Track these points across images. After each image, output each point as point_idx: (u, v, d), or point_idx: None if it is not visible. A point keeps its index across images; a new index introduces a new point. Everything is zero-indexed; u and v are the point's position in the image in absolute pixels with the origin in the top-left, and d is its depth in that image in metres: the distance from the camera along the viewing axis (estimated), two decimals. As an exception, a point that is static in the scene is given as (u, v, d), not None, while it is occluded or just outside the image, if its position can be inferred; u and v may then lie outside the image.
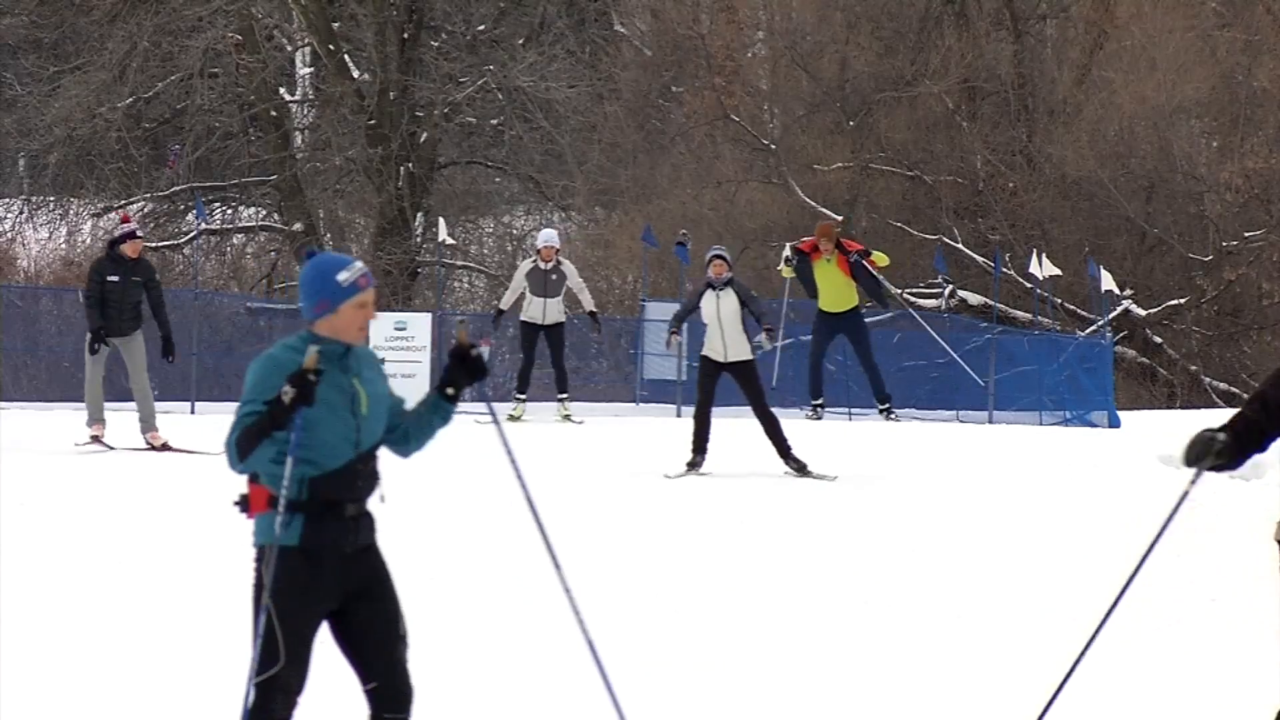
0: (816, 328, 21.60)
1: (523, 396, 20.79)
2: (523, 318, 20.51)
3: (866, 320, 22.17)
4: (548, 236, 20.64)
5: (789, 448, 15.56)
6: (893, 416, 21.42)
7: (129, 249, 16.97)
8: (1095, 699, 8.04)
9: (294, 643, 5.92)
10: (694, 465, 15.69)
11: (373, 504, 6.12)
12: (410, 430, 6.20)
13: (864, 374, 21.70)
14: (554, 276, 20.25)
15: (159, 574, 10.99)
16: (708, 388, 15.90)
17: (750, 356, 15.87)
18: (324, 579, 5.95)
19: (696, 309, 16.18)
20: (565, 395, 20.86)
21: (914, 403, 26.40)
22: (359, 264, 6.04)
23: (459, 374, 6.13)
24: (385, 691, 6.16)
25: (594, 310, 20.84)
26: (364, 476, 6.05)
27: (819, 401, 21.48)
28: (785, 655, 9.02)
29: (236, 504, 6.12)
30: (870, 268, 21.25)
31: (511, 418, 20.23)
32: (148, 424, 17.09)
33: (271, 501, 5.95)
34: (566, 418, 20.54)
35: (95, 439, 17.05)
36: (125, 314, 16.93)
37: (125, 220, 17.70)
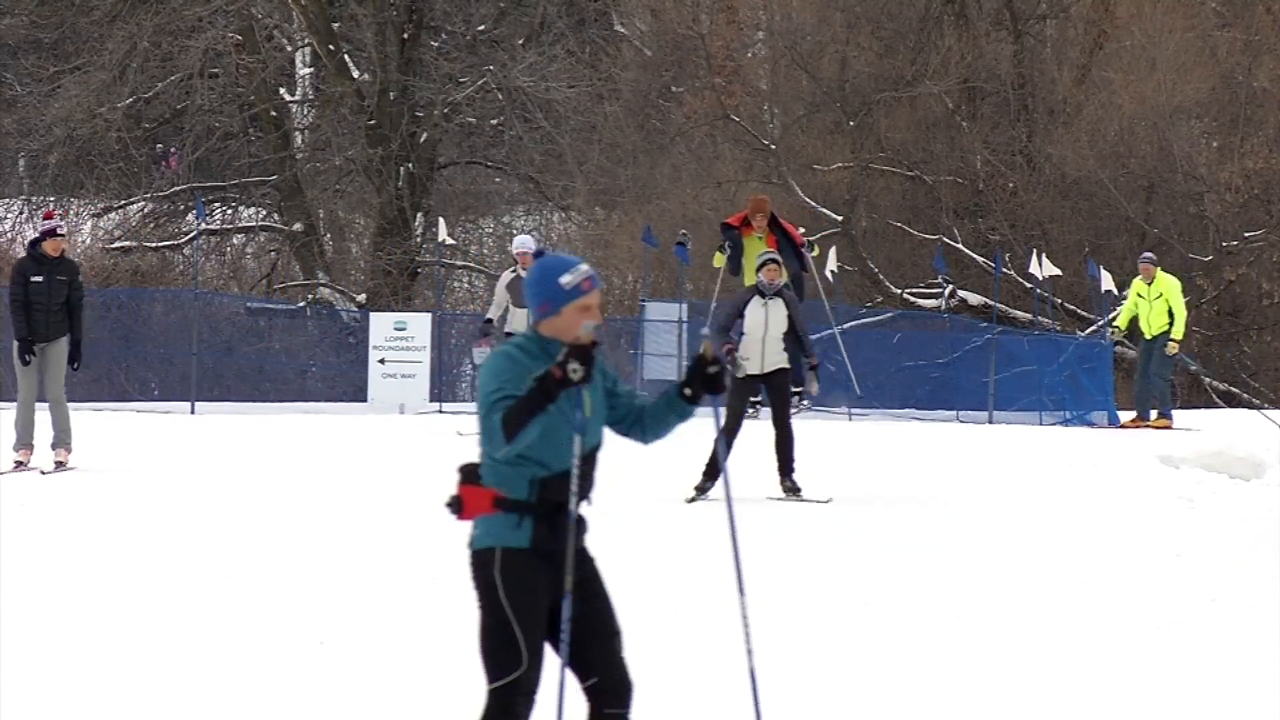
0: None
1: None
2: (507, 330, 19.49)
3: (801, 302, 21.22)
4: (523, 242, 19.62)
5: (792, 469, 14.62)
6: (803, 404, 19.63)
7: (50, 247, 15.84)
8: (1095, 699, 8.03)
9: (533, 645, 5.91)
10: (702, 491, 14.56)
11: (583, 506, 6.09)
12: (647, 421, 6.16)
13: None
14: None
15: (157, 574, 10.98)
16: (739, 408, 14.62)
17: (787, 365, 14.68)
18: (551, 579, 5.94)
19: (741, 317, 14.63)
20: None
21: (914, 403, 26.41)
22: (584, 267, 6.00)
23: (697, 384, 6.01)
24: (605, 686, 6.10)
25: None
26: (584, 477, 6.03)
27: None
28: (785, 655, 9.02)
29: (448, 505, 6.02)
30: (800, 249, 19.74)
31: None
32: (62, 438, 15.88)
33: (497, 503, 5.91)
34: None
35: (19, 465, 15.84)
36: (52, 317, 15.79)
37: (48, 217, 16.46)
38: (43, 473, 15.55)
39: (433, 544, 12.20)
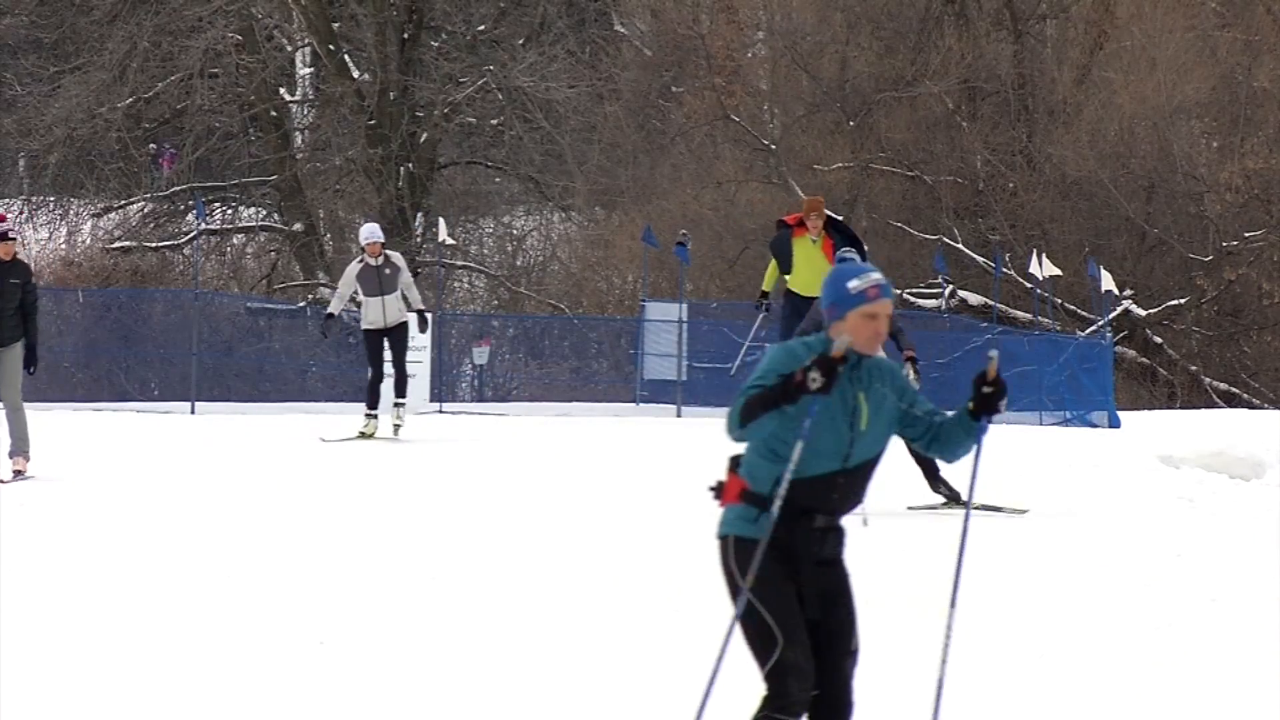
0: (785, 312, 19.54)
1: (374, 413, 18.91)
2: (364, 326, 18.99)
3: None
4: (370, 231, 18.99)
5: (937, 468, 13.94)
6: None
7: (1, 251, 15.32)
8: (1095, 699, 8.03)
9: (785, 623, 5.85)
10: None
11: (846, 520, 6.01)
12: (943, 440, 6.06)
13: None
14: (387, 271, 18.68)
15: (157, 575, 10.98)
16: None
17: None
18: (796, 575, 5.90)
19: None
20: (403, 402, 19.08)
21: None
22: (875, 275, 5.95)
23: (979, 401, 5.97)
24: (826, 701, 6.03)
25: (422, 309, 19.20)
26: (844, 491, 5.93)
27: None
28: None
29: (711, 489, 6.02)
30: (864, 252, 18.87)
31: (363, 435, 18.72)
32: (19, 446, 15.19)
33: (742, 495, 5.90)
34: (397, 427, 18.89)
35: None
36: (5, 321, 15.24)
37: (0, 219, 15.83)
38: (1, 482, 14.97)
39: (433, 544, 12.19)
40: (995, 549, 12.60)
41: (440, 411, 24.86)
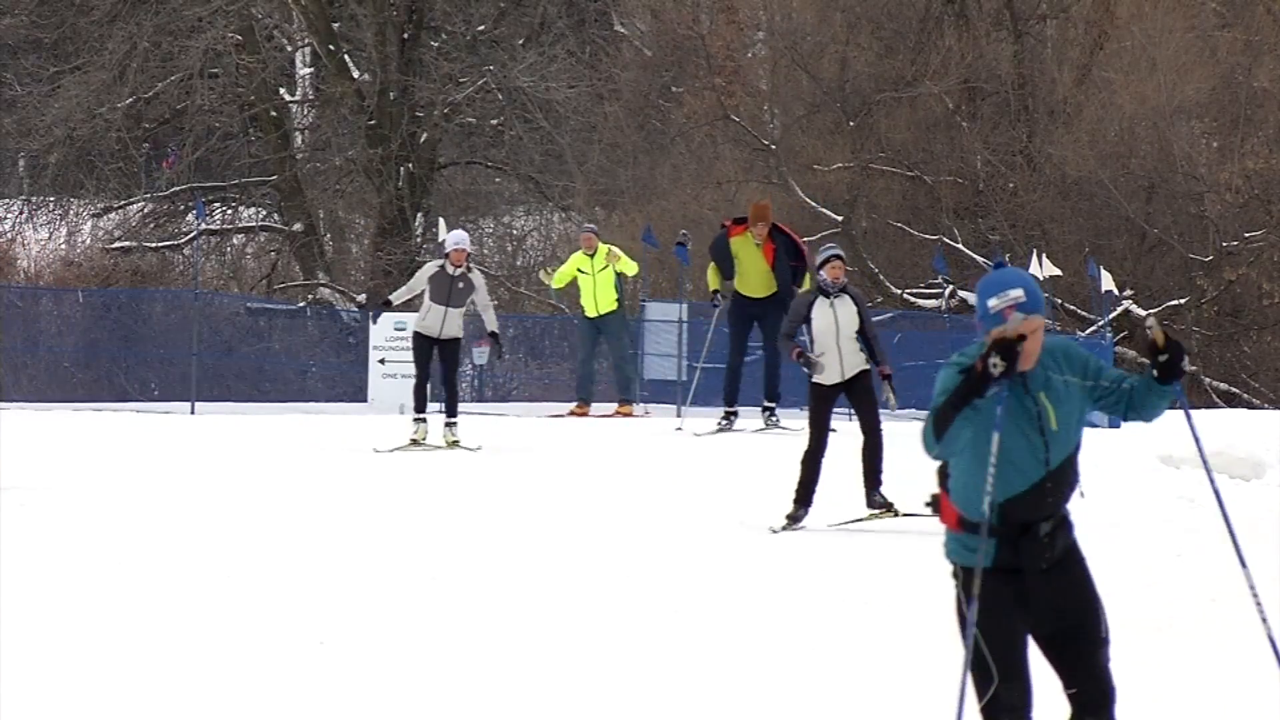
0: (735, 319, 19.19)
1: (422, 416, 18.26)
2: (416, 328, 18.40)
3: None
4: (458, 238, 18.48)
5: (880, 481, 13.55)
6: (774, 420, 19.17)
7: None
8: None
9: (1004, 660, 5.79)
10: (796, 519, 13.35)
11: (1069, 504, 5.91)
12: (1136, 404, 5.91)
13: (765, 366, 19.31)
14: (460, 285, 18.14)
15: (157, 575, 10.98)
16: (822, 423, 13.46)
17: (867, 366, 13.52)
18: (1024, 596, 5.81)
19: (807, 320, 13.54)
20: (455, 422, 18.22)
21: (915, 403, 26.36)
22: (1015, 291, 5.75)
23: (1163, 370, 5.83)
24: (1087, 697, 5.97)
25: (495, 331, 18.70)
26: (1055, 490, 5.83)
27: (733, 410, 19.29)
28: (785, 655, 9.02)
29: (928, 504, 6.03)
30: (803, 257, 19.00)
31: (414, 442, 18.01)
32: None
33: (960, 522, 5.83)
34: (454, 443, 18.01)
35: None
36: None
37: None
38: None
39: (433, 544, 12.20)
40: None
41: (441, 412, 24.83)
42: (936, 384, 5.82)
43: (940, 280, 32.15)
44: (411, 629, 9.42)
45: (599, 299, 22.71)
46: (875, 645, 9.30)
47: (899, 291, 35.59)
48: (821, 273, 13.52)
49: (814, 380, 13.45)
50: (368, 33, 37.91)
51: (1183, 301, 35.37)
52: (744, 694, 8.24)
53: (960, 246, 35.45)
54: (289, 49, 40.60)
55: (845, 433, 14.54)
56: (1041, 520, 5.80)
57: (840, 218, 35.71)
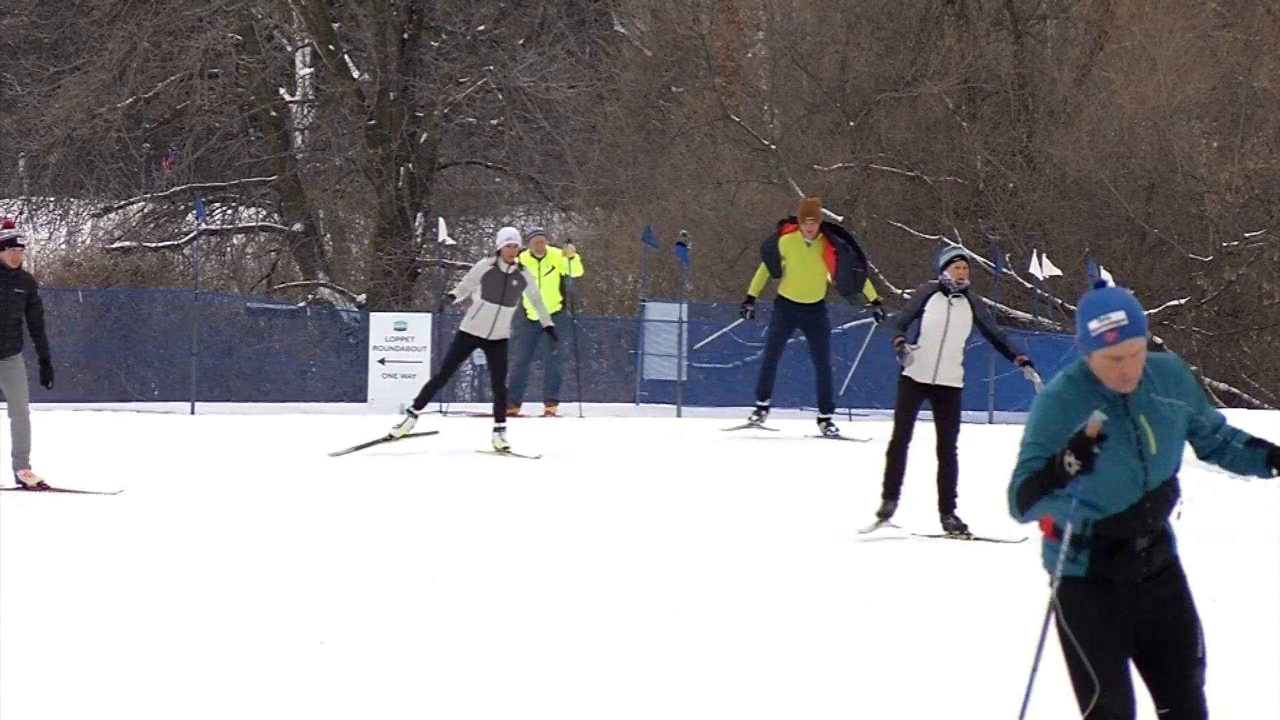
0: (777, 320, 19.06)
1: (417, 412, 17.98)
2: (463, 327, 17.81)
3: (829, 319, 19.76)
4: (510, 235, 17.99)
5: (955, 504, 13.26)
6: (833, 430, 19.15)
7: (8, 257, 14.61)
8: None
9: (1104, 669, 5.65)
10: (886, 515, 13.14)
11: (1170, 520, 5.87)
12: (1228, 459, 5.92)
13: (815, 377, 19.17)
14: (514, 282, 17.64)
15: (157, 575, 10.98)
16: (908, 417, 13.27)
17: (960, 385, 13.31)
18: (1118, 605, 5.70)
19: (920, 314, 13.22)
20: (503, 426, 17.73)
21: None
22: (1115, 315, 5.57)
23: (1275, 460, 5.84)
24: (1180, 716, 5.77)
25: (551, 325, 18.41)
26: (1154, 510, 5.75)
27: (765, 404, 19.13)
28: (785, 655, 9.02)
29: None
30: (858, 267, 19.11)
31: (390, 437, 17.71)
32: (21, 460, 14.73)
33: (1056, 531, 5.69)
34: (505, 449, 17.53)
35: None
36: (7, 332, 14.70)
37: (8, 225, 15.00)
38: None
39: (433, 544, 12.20)
40: (995, 549, 12.60)
41: (441, 412, 24.83)
42: (1033, 417, 5.64)
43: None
44: (411, 629, 9.43)
45: (544, 302, 22.64)
46: (875, 645, 9.30)
47: (899, 291, 35.58)
48: (945, 272, 13.30)
49: (904, 373, 13.21)
50: (368, 33, 37.91)
51: (1183, 301, 35.38)
52: (744, 694, 8.24)
53: (960, 247, 35.48)
54: (289, 49, 40.60)
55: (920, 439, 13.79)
56: (1138, 537, 5.72)
57: (840, 218, 35.69)
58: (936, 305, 13.16)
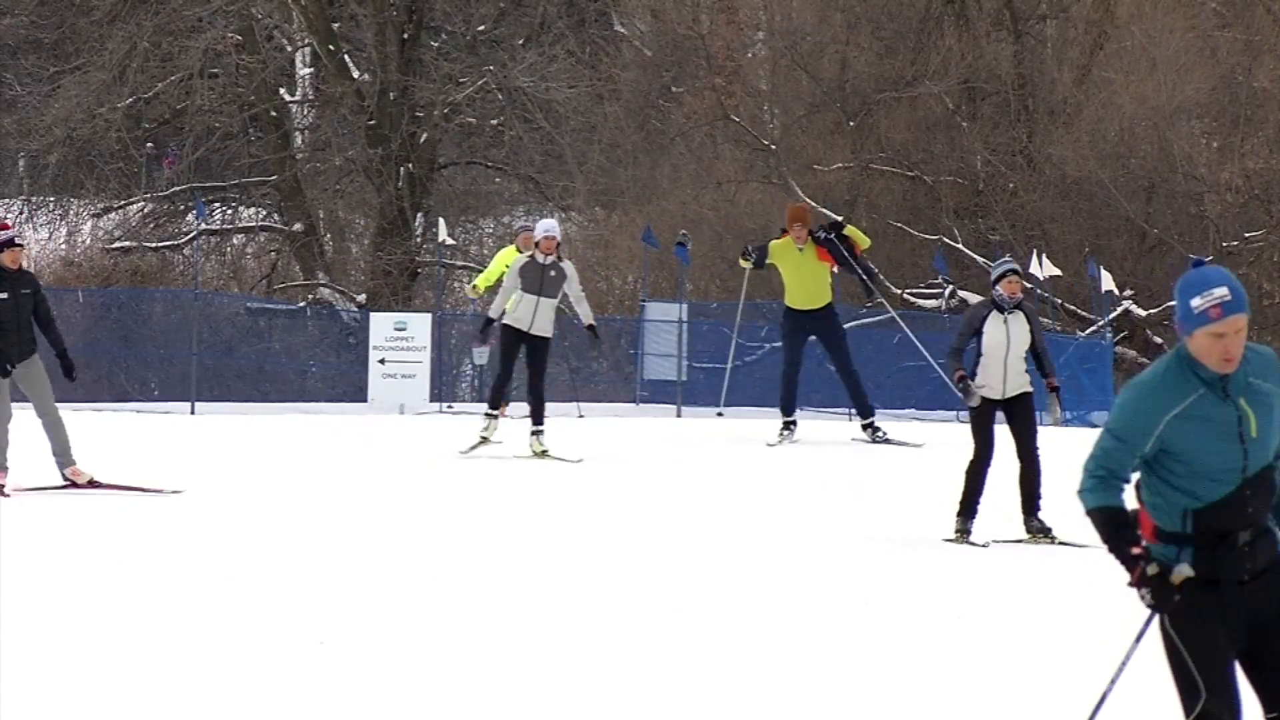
0: (787, 331, 18.99)
1: (495, 413, 17.78)
2: (506, 321, 17.53)
3: (843, 320, 19.80)
4: (548, 227, 17.72)
5: (1039, 506, 13.10)
6: (880, 434, 18.90)
7: (8, 258, 14.50)
8: (1096, 699, 8.02)
9: (1210, 673, 5.52)
10: (964, 533, 12.95)
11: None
12: None
13: (843, 384, 19.15)
14: (553, 274, 17.34)
15: (157, 575, 10.98)
16: (986, 436, 13.07)
17: (1030, 389, 13.24)
18: (1224, 606, 5.52)
19: (979, 334, 13.15)
20: (541, 429, 17.49)
21: (915, 403, 26.42)
22: (1218, 290, 5.55)
23: None
24: None
25: (593, 324, 17.89)
26: (1256, 501, 5.52)
27: (791, 420, 18.81)
28: (786, 655, 9.02)
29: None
30: (851, 251, 18.86)
31: (484, 440, 17.49)
32: (65, 458, 14.68)
33: (1156, 533, 5.59)
34: (544, 453, 17.33)
35: None
36: (22, 334, 14.47)
37: (4, 226, 14.87)
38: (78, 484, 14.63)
39: (433, 544, 12.20)
40: (995, 549, 12.60)
41: (441, 412, 24.85)
42: (1119, 398, 5.59)
43: (940, 280, 32.15)
44: (411, 629, 9.42)
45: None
46: (875, 645, 9.30)
47: (899, 292, 35.59)
48: (998, 287, 13.21)
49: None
50: (368, 33, 37.92)
51: (1183, 302, 35.37)
52: (744, 694, 8.24)
53: (960, 246, 35.45)
54: (289, 49, 40.61)
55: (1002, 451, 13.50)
56: (1240, 529, 5.52)
57: (840, 218, 35.68)
58: (994, 325, 13.11)
